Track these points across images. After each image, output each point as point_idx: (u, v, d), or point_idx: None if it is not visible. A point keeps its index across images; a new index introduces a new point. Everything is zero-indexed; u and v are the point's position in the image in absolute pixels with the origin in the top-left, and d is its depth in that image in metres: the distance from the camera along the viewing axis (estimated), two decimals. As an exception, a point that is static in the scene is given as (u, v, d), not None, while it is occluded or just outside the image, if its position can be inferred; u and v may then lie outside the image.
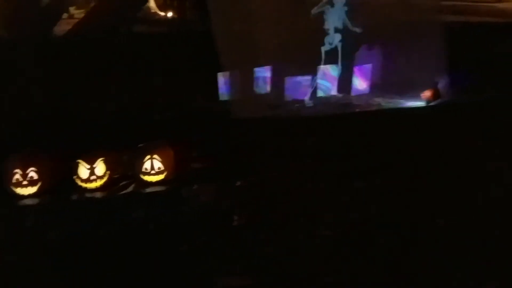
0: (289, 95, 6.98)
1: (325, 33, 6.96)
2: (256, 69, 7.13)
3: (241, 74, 6.96)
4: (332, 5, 6.82)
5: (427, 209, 3.70)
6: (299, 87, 7.08)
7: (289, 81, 6.97)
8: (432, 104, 6.44)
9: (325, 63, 7.10)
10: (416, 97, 6.65)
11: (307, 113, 6.53)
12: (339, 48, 7.05)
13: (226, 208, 3.71)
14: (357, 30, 6.85)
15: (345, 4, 6.81)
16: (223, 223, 3.53)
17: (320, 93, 7.19)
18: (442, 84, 6.67)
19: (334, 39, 7.00)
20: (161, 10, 19.83)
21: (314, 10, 6.77)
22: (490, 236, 3.34)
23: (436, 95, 6.47)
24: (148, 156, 4.00)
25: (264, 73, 7.26)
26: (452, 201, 3.82)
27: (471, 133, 5.28)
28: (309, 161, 4.67)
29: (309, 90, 7.08)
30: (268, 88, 7.29)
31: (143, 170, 4.02)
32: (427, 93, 6.47)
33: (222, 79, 6.89)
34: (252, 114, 6.19)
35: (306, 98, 7.03)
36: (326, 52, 7.06)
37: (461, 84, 6.89)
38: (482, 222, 3.53)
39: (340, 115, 6.30)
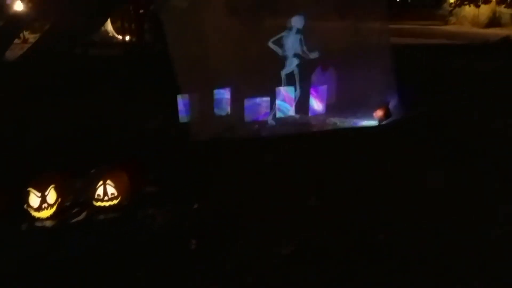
0: (248, 116, 7.10)
1: (283, 57, 7.19)
2: (215, 91, 7.24)
3: (199, 96, 7.03)
4: (290, 30, 7.07)
5: (374, 223, 3.82)
6: (258, 108, 7.22)
7: (248, 103, 7.10)
8: (384, 122, 6.71)
9: (285, 85, 7.32)
10: (369, 116, 6.91)
11: (266, 133, 6.63)
12: (296, 71, 7.30)
13: (183, 231, 3.66)
14: (313, 55, 7.11)
15: (299, 31, 7.08)
16: (180, 247, 3.48)
17: (279, 114, 7.37)
18: (392, 103, 6.98)
19: (292, 63, 7.25)
20: (118, 34, 19.74)
21: (272, 39, 7.01)
22: (434, 250, 3.48)
23: (387, 114, 6.76)
24: (101, 182, 3.89)
25: (223, 95, 7.37)
26: (398, 215, 3.96)
27: (419, 149, 5.54)
28: (268, 180, 4.72)
29: (268, 111, 7.23)
30: (227, 109, 7.42)
31: (96, 196, 3.91)
32: (379, 113, 6.75)
33: (180, 101, 6.93)
34: (211, 135, 6.23)
35: (265, 119, 7.17)
36: (286, 75, 7.30)
37: (411, 102, 7.27)
38: (429, 234, 3.67)
39: (298, 135, 6.43)
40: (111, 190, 3.89)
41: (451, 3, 25.19)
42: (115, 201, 3.90)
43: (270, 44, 7.02)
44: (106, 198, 3.89)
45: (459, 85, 8.88)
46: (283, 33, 7.02)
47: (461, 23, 24.61)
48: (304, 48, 7.12)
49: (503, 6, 23.79)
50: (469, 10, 24.50)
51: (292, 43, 7.08)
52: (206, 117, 6.99)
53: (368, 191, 4.45)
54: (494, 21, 24.09)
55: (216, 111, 7.24)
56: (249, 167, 5.14)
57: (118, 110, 7.19)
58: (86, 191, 3.94)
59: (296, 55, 7.19)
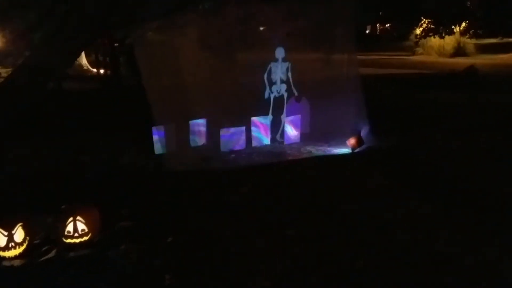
0: (224, 147, 7.14)
1: (273, 83, 7.41)
2: (191, 122, 7.28)
3: (175, 127, 7.04)
4: (276, 60, 7.33)
5: (352, 251, 3.84)
6: (233, 138, 7.27)
7: (224, 133, 7.15)
8: (356, 150, 6.86)
9: (273, 113, 7.49)
10: (342, 144, 7.06)
11: (242, 163, 6.65)
12: (271, 101, 7.46)
13: (157, 266, 3.58)
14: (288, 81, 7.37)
15: (284, 60, 7.34)
16: (153, 283, 3.40)
17: (254, 144, 7.44)
18: (364, 132, 7.17)
19: (281, 89, 7.48)
20: (93, 67, 19.74)
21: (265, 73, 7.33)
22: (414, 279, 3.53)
23: (359, 142, 6.92)
24: (71, 218, 3.77)
25: (198, 126, 7.42)
26: (374, 242, 4.01)
27: (390, 177, 5.67)
28: (244, 212, 4.71)
29: (244, 141, 7.30)
30: (203, 140, 7.45)
31: (66, 233, 3.77)
32: (351, 141, 6.90)
33: (156, 132, 6.92)
34: (187, 166, 6.21)
35: (241, 148, 7.22)
36: (274, 102, 7.47)
37: (382, 131, 7.49)
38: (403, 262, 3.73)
39: (274, 164, 6.48)
40: (81, 226, 3.79)
41: (417, 35, 26.41)
42: (85, 238, 3.79)
43: (265, 78, 7.33)
44: (76, 234, 3.77)
45: (427, 114, 9.25)
46: (271, 64, 7.32)
47: (428, 53, 25.72)
48: (289, 74, 7.40)
49: (466, 37, 25.12)
50: (435, 40, 25.70)
51: (280, 71, 7.39)
52: (182, 148, 6.99)
53: (343, 219, 4.50)
54: (459, 50, 25.31)
55: (192, 142, 7.25)
56: (226, 198, 5.12)
57: (93, 144, 7.12)
58: (56, 228, 3.83)
59: (283, 82, 7.46)
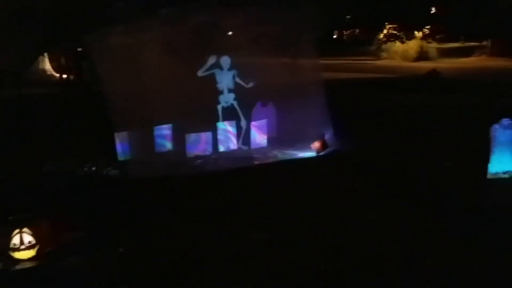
0: (190, 152, 7.10)
1: (220, 92, 7.35)
2: (155, 128, 7.20)
3: (139, 133, 6.94)
4: (221, 68, 7.29)
5: (316, 252, 3.90)
6: (200, 143, 7.25)
7: (189, 138, 7.12)
8: (321, 153, 6.97)
9: (223, 120, 7.45)
10: (307, 148, 7.16)
11: (209, 168, 6.62)
12: (236, 106, 7.47)
13: (108, 278, 3.46)
14: (250, 84, 7.35)
15: (232, 68, 7.32)
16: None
17: (221, 149, 7.44)
18: (328, 135, 7.30)
19: (229, 98, 7.42)
20: (57, 72, 19.23)
21: (201, 73, 7.16)
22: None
23: (324, 145, 7.04)
24: (17, 230, 3.58)
25: (163, 131, 7.34)
26: (338, 243, 4.09)
27: (354, 179, 5.80)
28: (208, 218, 4.70)
29: (210, 146, 7.28)
30: (168, 146, 7.38)
31: (12, 245, 3.59)
32: (316, 144, 7.01)
33: (119, 139, 6.81)
34: (152, 173, 6.13)
35: (208, 153, 7.20)
36: (223, 109, 7.44)
37: (346, 134, 7.66)
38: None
39: (241, 169, 6.50)
40: (28, 238, 3.60)
41: (379, 40, 27.18)
42: (33, 250, 3.63)
43: (200, 74, 7.18)
44: (22, 247, 3.61)
45: (391, 117, 9.51)
46: (214, 70, 7.23)
47: (392, 58, 26.41)
48: (240, 81, 7.36)
49: (427, 41, 26.00)
50: (399, 45, 26.46)
51: (225, 79, 7.32)
52: (146, 154, 6.89)
53: (308, 221, 4.56)
54: (422, 55, 26.13)
55: (157, 148, 7.17)
56: (190, 204, 5.10)
57: (54, 151, 6.93)
58: (2, 241, 3.66)
59: (231, 91, 7.40)
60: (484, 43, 25.94)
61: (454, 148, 6.92)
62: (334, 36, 40.22)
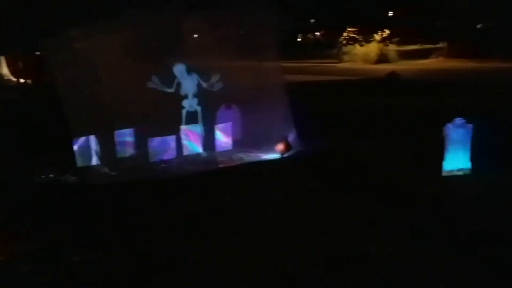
0: (153, 157, 6.99)
1: (184, 97, 7.29)
2: (116, 132, 7.05)
3: (100, 138, 6.78)
4: (184, 72, 7.21)
5: (281, 254, 3.94)
6: (163, 148, 7.16)
7: (152, 143, 7.01)
8: (285, 155, 7.05)
9: (187, 123, 7.39)
10: (272, 150, 7.22)
11: (173, 173, 6.55)
12: (199, 110, 7.43)
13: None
14: (217, 87, 7.34)
15: (195, 71, 7.29)
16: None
17: (185, 152, 7.38)
18: (292, 137, 7.40)
19: (193, 102, 7.37)
20: (15, 77, 18.49)
21: (172, 88, 7.11)
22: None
23: (287, 147, 7.13)
24: None
25: (125, 136, 7.19)
26: (304, 245, 4.15)
27: (317, 180, 5.91)
28: (172, 223, 4.65)
29: (174, 150, 7.20)
30: (131, 151, 7.24)
31: None
32: (280, 146, 7.09)
33: (79, 144, 6.61)
34: (114, 179, 6.01)
35: (172, 158, 7.13)
36: (187, 113, 7.38)
37: (309, 136, 7.78)
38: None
39: (206, 172, 6.47)
40: None
41: (339, 43, 27.88)
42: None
43: (173, 89, 7.14)
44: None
45: (352, 118, 9.74)
46: (177, 79, 7.16)
47: (354, 60, 27.09)
48: (205, 85, 7.32)
49: (384, 44, 26.85)
50: (360, 48, 27.17)
51: (189, 85, 7.27)
52: (107, 160, 6.74)
53: (272, 223, 4.60)
54: (382, 57, 26.95)
55: (119, 153, 7.02)
56: (153, 209, 5.03)
57: (9, 159, 6.65)
58: None
59: (195, 95, 7.35)
60: (441, 45, 27.03)
61: (411, 147, 7.18)
62: (299, 39, 40.86)
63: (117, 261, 3.84)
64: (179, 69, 7.21)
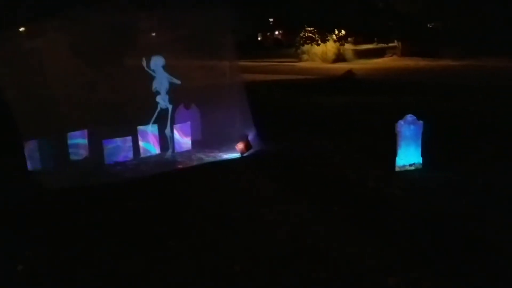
0: (108, 159, 6.79)
1: (156, 94, 7.16)
2: (69, 134, 6.80)
3: (51, 141, 6.50)
4: (155, 70, 7.06)
5: (232, 255, 3.94)
6: (119, 149, 6.96)
7: (108, 144, 6.80)
8: (245, 154, 7.05)
9: (159, 121, 7.25)
10: (232, 149, 7.19)
11: (129, 175, 6.38)
12: (170, 108, 7.30)
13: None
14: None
15: (164, 69, 7.13)
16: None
17: (142, 154, 7.21)
18: (252, 136, 7.41)
19: (165, 100, 7.23)
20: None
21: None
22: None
23: (247, 146, 7.13)
24: None
25: (78, 138, 6.95)
26: (257, 246, 4.16)
27: (276, 178, 5.95)
28: (125, 228, 4.53)
29: (131, 152, 7.03)
30: (84, 153, 6.99)
31: None
32: (240, 145, 7.07)
33: (28, 148, 6.31)
34: (67, 183, 5.77)
35: (128, 160, 6.95)
36: (161, 110, 7.23)
37: (269, 134, 7.83)
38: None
39: (163, 174, 6.35)
40: None
41: (298, 43, 28.33)
42: None
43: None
44: None
45: (311, 118, 9.89)
46: (154, 75, 7.02)
47: (313, 60, 27.58)
48: (174, 80, 7.19)
49: (340, 43, 27.51)
50: (318, 48, 27.68)
51: (162, 81, 7.13)
52: (59, 163, 6.47)
53: (230, 223, 4.58)
54: (339, 57, 27.62)
55: (72, 156, 6.77)
56: (106, 216, 4.87)
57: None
58: None
59: (167, 93, 7.24)
60: (395, 44, 28.01)
61: (366, 144, 7.38)
62: (259, 39, 41.06)
63: (69, 268, 3.68)
64: (156, 62, 7.01)
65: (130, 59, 7.17)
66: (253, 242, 4.15)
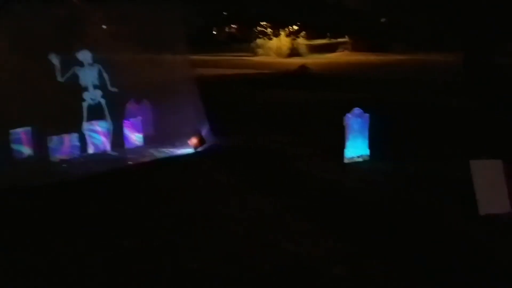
0: (53, 156, 6.51)
1: (84, 89, 6.90)
2: (11, 132, 6.44)
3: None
4: (82, 65, 6.81)
5: (185, 250, 3.92)
6: (64, 146, 6.70)
7: (52, 141, 6.52)
8: (199, 149, 7.00)
9: (91, 118, 6.99)
10: (185, 144, 7.11)
11: (76, 173, 6.14)
12: (103, 102, 7.08)
13: None
14: (113, 89, 7.02)
15: (94, 63, 6.91)
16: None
17: (90, 151, 6.98)
18: (205, 131, 7.36)
19: (95, 95, 6.99)
20: None
21: (62, 78, 6.63)
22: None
23: (201, 141, 7.07)
24: None
25: (21, 135, 6.60)
26: (212, 241, 4.17)
27: (230, 173, 5.97)
28: (74, 228, 4.37)
29: (77, 149, 6.78)
30: (28, 151, 6.65)
31: None
32: (193, 140, 7.00)
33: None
34: (8, 183, 5.47)
35: (75, 156, 6.70)
36: (90, 107, 6.98)
37: (223, 129, 7.82)
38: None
39: (112, 171, 6.17)
40: None
41: (253, 37, 28.49)
42: None
43: (63, 79, 6.65)
44: None
45: (264, 112, 9.98)
46: (75, 68, 6.75)
47: (268, 54, 27.76)
48: (106, 78, 6.98)
49: (291, 38, 27.89)
50: (273, 42, 27.89)
51: (89, 76, 6.88)
52: (2, 162, 6.12)
53: (186, 220, 4.55)
54: (293, 51, 27.98)
55: (14, 154, 6.42)
56: (54, 214, 4.67)
57: None
58: None
59: (97, 87, 6.99)
60: (347, 39, 28.74)
61: (317, 138, 7.56)
62: (214, 33, 40.67)
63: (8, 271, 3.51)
64: (82, 56, 6.78)
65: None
66: (208, 239, 4.14)
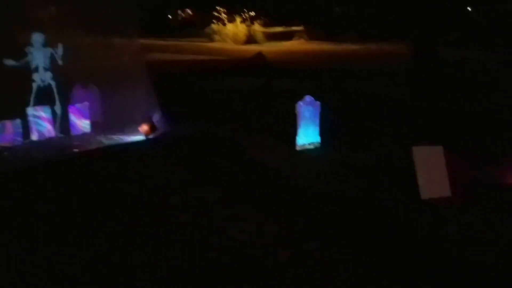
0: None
1: (34, 70, 6.64)
2: None
3: None
4: (33, 45, 6.57)
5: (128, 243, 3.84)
6: (5, 133, 6.33)
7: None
8: (150, 136, 6.83)
9: (40, 100, 6.69)
10: (136, 131, 6.92)
11: (17, 161, 5.82)
12: (53, 85, 6.78)
13: None
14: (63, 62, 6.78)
15: (45, 46, 6.68)
16: None
17: (34, 137, 6.64)
18: (156, 118, 7.19)
19: (45, 77, 6.72)
20: None
21: (10, 62, 6.41)
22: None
23: (152, 128, 6.90)
24: None
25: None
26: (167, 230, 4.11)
27: (183, 162, 5.89)
28: (16, 220, 4.17)
29: (19, 135, 6.43)
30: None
31: None
32: (144, 127, 6.82)
33: None
34: None
35: (17, 143, 6.35)
36: (39, 88, 6.69)
37: (176, 116, 7.67)
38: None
39: (56, 159, 5.91)
40: None
41: (209, 23, 28.10)
42: None
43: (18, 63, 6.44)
44: None
45: (219, 100, 9.88)
46: (26, 48, 6.52)
47: (224, 40, 27.37)
48: (58, 57, 6.75)
49: (246, 25, 27.78)
50: (229, 29, 27.54)
51: (40, 57, 6.64)
52: None
53: (136, 210, 4.45)
54: (250, 38, 27.79)
55: None
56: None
57: None
58: None
59: (47, 69, 6.71)
60: (302, 28, 28.96)
61: (270, 125, 7.60)
62: (169, 17, 39.57)
63: None
64: (35, 38, 6.56)
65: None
66: (154, 227, 4.08)
